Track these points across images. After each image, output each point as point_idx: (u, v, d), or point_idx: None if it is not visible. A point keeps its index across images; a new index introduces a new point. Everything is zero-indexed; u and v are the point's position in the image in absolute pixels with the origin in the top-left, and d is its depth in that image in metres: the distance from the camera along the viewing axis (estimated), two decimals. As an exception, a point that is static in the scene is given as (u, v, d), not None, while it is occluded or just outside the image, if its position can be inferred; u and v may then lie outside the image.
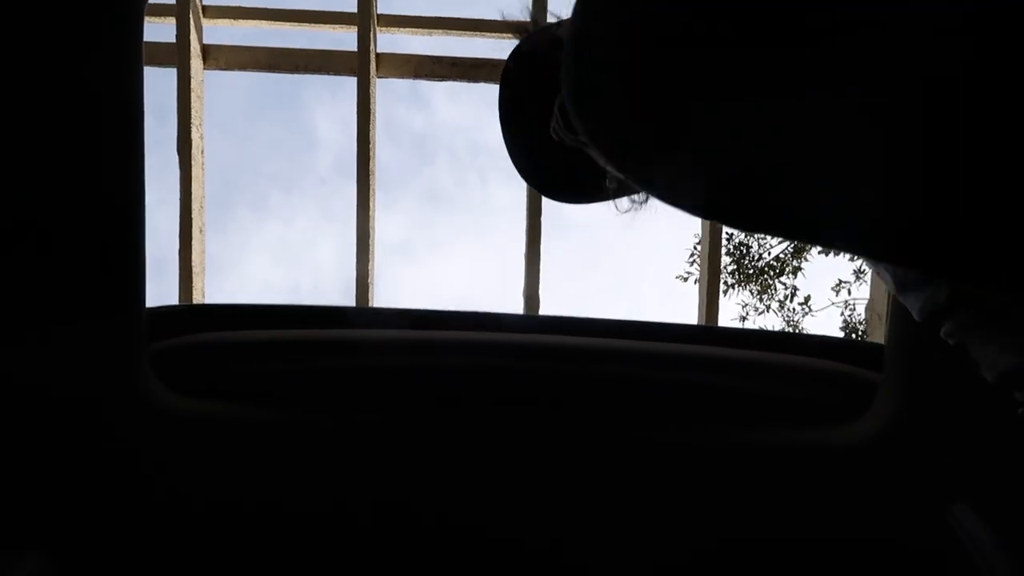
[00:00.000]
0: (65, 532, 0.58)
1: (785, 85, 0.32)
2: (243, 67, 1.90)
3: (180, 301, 1.82)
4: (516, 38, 0.58)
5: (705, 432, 0.62)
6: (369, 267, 1.74)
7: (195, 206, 1.80)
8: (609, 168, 0.42)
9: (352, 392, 0.65)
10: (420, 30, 1.88)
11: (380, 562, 0.64)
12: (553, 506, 0.62)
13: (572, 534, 0.62)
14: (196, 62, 1.81)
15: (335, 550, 0.63)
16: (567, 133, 0.49)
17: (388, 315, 0.72)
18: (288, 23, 1.89)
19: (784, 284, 7.33)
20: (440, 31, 1.87)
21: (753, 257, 7.37)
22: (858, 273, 6.99)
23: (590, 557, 0.63)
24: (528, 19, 0.60)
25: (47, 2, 0.47)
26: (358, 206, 1.74)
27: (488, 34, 1.85)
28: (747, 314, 7.42)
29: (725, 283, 7.36)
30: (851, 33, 0.30)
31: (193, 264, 1.80)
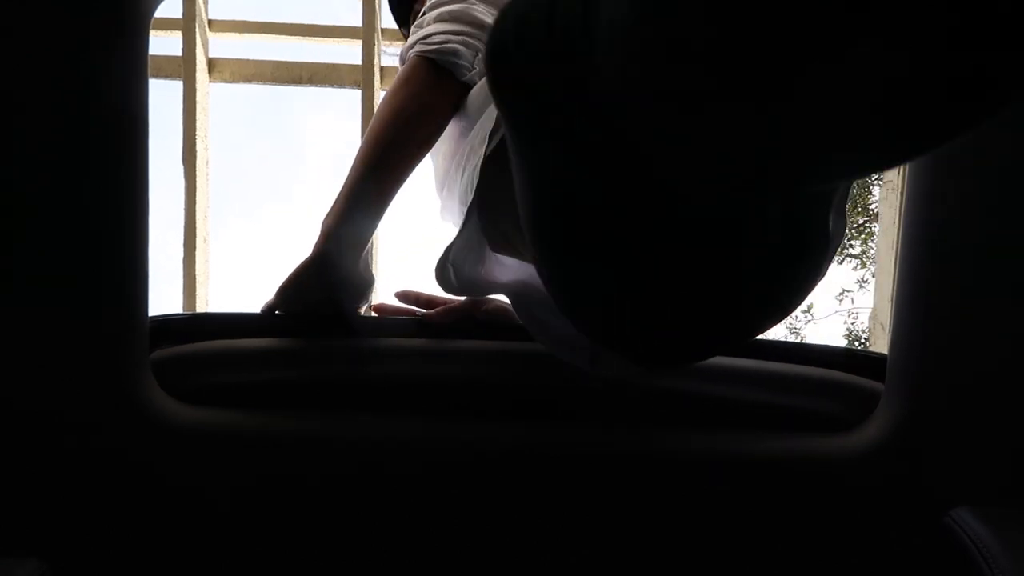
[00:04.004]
0: (66, 540, 0.58)
1: None
2: (248, 79, 1.92)
3: (184, 310, 1.83)
4: None
5: (704, 440, 0.62)
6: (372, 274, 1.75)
7: (199, 216, 1.81)
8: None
9: (355, 401, 0.65)
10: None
11: (382, 571, 0.63)
12: (556, 512, 0.61)
13: (572, 542, 0.62)
14: (202, 75, 1.83)
15: (336, 561, 0.62)
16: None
17: (392, 323, 0.72)
18: (294, 36, 1.92)
19: (787, 293, 7.29)
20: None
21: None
22: (861, 282, 6.97)
23: (588, 564, 0.63)
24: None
25: (54, 15, 0.48)
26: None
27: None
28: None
29: (728, 292, 7.31)
30: None
31: (197, 273, 1.82)
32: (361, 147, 0.70)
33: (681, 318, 0.47)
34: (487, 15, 0.74)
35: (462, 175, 0.69)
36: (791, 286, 0.47)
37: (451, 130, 0.75)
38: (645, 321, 0.47)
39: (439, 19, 0.73)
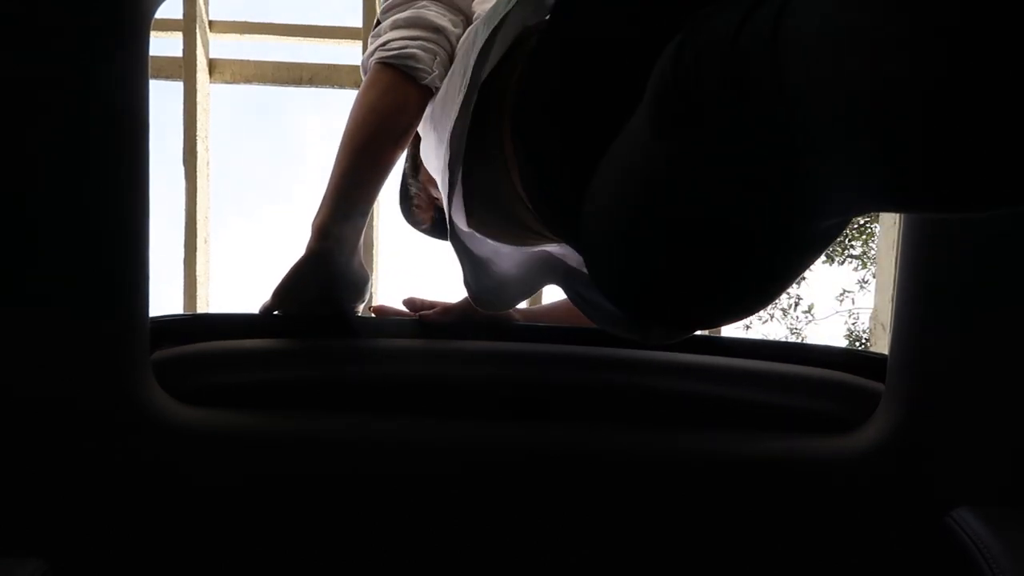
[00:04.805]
0: (66, 540, 0.58)
1: None
2: (248, 80, 1.92)
3: (184, 310, 1.83)
4: None
5: (705, 440, 0.62)
6: (372, 275, 1.75)
7: (200, 217, 1.81)
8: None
9: (355, 401, 0.65)
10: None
11: (382, 571, 0.63)
12: (556, 512, 0.61)
13: (572, 542, 0.62)
14: (202, 76, 1.84)
15: (336, 561, 0.62)
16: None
17: (391, 323, 0.72)
18: (294, 37, 1.92)
19: (788, 293, 7.30)
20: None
21: (756, 267, 7.32)
22: (862, 283, 6.97)
23: (588, 564, 0.63)
24: None
25: (55, 15, 0.48)
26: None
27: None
28: (751, 322, 7.39)
29: (729, 293, 7.31)
30: None
31: (198, 274, 1.82)
32: (340, 148, 0.72)
33: (718, 295, 0.50)
34: (440, 17, 0.74)
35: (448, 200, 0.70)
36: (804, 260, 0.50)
37: (430, 140, 0.75)
38: (684, 298, 0.50)
39: (395, 26, 0.74)
